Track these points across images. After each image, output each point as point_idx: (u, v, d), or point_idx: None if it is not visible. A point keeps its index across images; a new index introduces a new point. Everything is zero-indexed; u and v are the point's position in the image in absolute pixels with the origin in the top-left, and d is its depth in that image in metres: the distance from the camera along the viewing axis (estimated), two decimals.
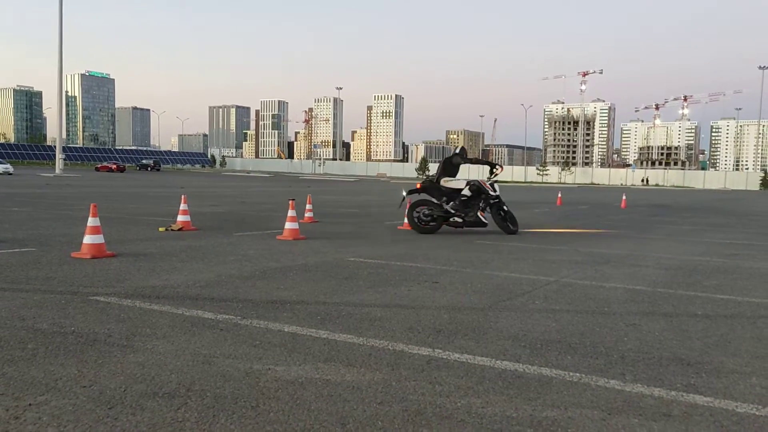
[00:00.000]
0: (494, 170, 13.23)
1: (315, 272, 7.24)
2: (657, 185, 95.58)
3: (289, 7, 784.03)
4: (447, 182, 12.55)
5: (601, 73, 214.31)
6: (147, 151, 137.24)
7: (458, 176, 12.99)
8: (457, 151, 13.18)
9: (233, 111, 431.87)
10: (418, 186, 12.79)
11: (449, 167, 12.89)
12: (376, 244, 10.32)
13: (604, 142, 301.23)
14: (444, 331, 4.72)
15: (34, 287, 5.89)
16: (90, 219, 8.00)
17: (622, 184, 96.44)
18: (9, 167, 52.22)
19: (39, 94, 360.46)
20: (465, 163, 13.13)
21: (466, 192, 12.42)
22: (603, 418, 3.10)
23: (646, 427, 3.02)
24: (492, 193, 12.47)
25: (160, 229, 11.36)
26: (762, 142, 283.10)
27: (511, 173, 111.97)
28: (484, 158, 13.29)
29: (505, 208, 12.65)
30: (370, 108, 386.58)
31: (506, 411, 3.16)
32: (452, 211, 12.25)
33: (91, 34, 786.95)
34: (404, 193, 12.81)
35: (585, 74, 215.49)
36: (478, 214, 12.36)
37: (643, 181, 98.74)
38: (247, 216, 15.50)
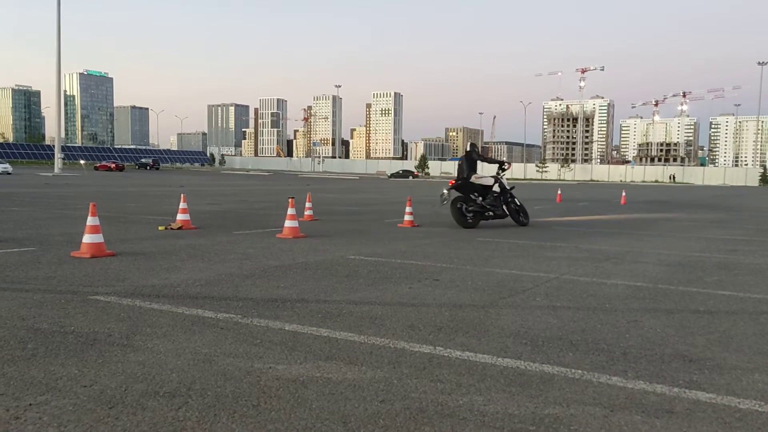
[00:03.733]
0: (503, 167, 13.92)
1: (315, 270, 7.22)
2: (656, 181, 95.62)
3: (287, 5, 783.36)
4: (477, 179, 13.24)
5: (602, 69, 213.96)
6: (146, 150, 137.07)
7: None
8: (468, 148, 13.75)
9: (232, 109, 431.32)
10: (452, 183, 13.31)
11: (473, 164, 13.49)
12: (376, 242, 10.30)
13: (604, 139, 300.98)
14: (445, 328, 4.71)
15: (34, 287, 5.88)
16: (89, 218, 7.98)
17: (621, 181, 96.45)
18: (8, 167, 52.24)
19: (37, 94, 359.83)
20: (479, 159, 13.78)
21: (496, 188, 13.39)
22: (605, 415, 3.09)
23: (648, 423, 3.01)
24: (508, 188, 13.56)
25: (160, 227, 11.34)
26: (761, 138, 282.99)
27: (510, 170, 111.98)
28: (484, 155, 13.66)
29: (517, 201, 13.77)
30: (369, 106, 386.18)
31: (508, 408, 3.15)
32: (487, 207, 13.07)
33: (89, 33, 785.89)
34: (445, 191, 13.15)
35: (584, 71, 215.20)
36: (503, 207, 13.33)
37: (670, 177, 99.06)
38: (247, 214, 15.49)
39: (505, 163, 13.95)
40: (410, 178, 76.31)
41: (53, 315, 4.81)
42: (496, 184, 13.36)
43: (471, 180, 13.07)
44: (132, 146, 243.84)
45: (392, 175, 78.67)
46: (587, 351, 4.20)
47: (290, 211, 10.69)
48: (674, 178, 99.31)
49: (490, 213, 13.05)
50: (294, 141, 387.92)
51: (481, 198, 13.08)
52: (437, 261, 8.22)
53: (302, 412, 3.03)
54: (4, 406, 3.02)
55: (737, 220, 17.89)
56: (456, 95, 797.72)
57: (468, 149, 13.67)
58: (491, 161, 14.25)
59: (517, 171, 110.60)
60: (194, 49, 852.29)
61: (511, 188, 13.72)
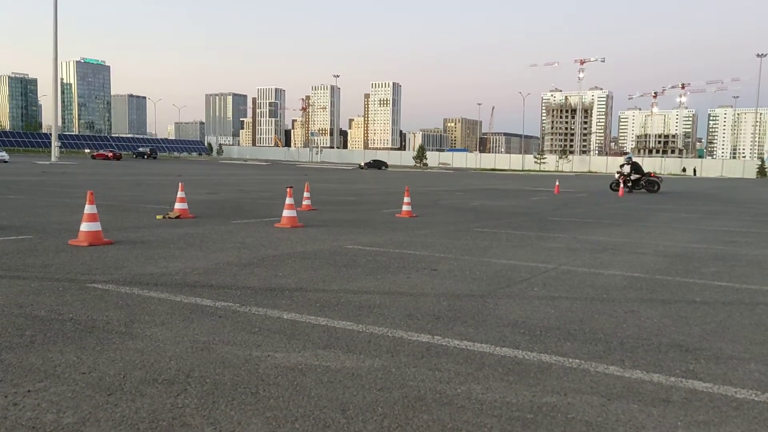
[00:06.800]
0: (642, 177, 27.96)
1: (313, 260, 7.23)
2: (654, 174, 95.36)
3: None
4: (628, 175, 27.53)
5: (603, 61, 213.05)
6: (143, 139, 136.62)
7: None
8: (630, 161, 27.84)
9: (230, 99, 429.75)
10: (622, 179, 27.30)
11: (633, 170, 27.57)
12: (374, 231, 10.30)
13: (602, 131, 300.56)
14: (443, 318, 4.72)
15: (32, 274, 5.87)
16: (87, 206, 7.96)
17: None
18: (5, 155, 52.02)
19: (34, 82, 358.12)
20: (635, 170, 27.71)
21: (633, 176, 27.65)
22: (603, 404, 3.11)
23: (645, 412, 3.02)
24: (632, 179, 27.71)
25: (158, 216, 11.33)
26: (759, 130, 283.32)
27: (508, 162, 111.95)
28: (637, 168, 28.24)
29: (642, 183, 27.80)
30: (367, 96, 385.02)
31: (506, 397, 3.16)
32: (630, 186, 27.54)
33: (86, 21, 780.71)
34: (617, 176, 27.92)
35: (583, 62, 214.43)
36: (636, 185, 27.84)
37: (693, 171, 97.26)
38: (245, 203, 15.47)
39: (642, 178, 27.65)
40: (382, 168, 77.09)
41: (51, 302, 4.81)
42: (634, 175, 27.56)
43: (631, 176, 27.46)
44: (129, 135, 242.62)
45: (366, 165, 79.38)
46: (585, 341, 4.22)
47: (288, 200, 10.67)
48: (695, 171, 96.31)
49: (637, 188, 27.60)
50: (292, 131, 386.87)
51: (630, 183, 27.44)
52: (435, 251, 8.23)
53: (301, 400, 3.04)
54: (3, 392, 3.02)
55: (735, 212, 17.92)
56: (455, 86, 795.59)
57: (632, 161, 27.86)
58: (641, 172, 27.67)
59: (515, 162, 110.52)
60: (192, 38, 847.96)
61: (639, 179, 27.54)
